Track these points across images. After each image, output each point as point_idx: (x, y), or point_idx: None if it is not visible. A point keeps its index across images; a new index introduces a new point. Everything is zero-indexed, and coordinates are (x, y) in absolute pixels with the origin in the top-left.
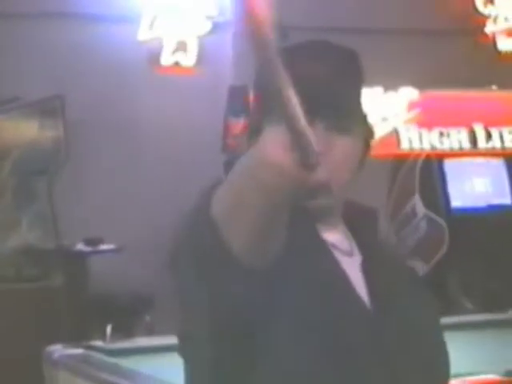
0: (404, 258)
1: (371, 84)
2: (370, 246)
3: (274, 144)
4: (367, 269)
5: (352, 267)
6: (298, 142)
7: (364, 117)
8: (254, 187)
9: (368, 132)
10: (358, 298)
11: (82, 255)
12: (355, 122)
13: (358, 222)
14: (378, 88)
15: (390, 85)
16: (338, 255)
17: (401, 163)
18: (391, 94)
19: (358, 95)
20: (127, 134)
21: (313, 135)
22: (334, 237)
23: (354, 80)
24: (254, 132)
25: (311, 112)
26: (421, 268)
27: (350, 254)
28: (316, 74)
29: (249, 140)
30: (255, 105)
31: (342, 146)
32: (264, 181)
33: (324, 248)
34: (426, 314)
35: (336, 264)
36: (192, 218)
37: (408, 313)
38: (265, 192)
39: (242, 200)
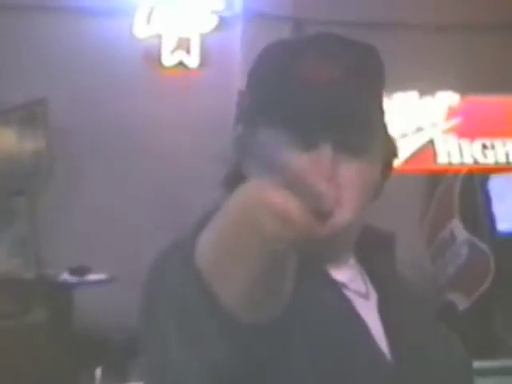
0: (424, 290)
1: (404, 88)
2: (387, 279)
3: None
4: (384, 310)
5: (368, 310)
6: (301, 193)
7: (384, 130)
8: (249, 232)
9: (389, 149)
10: (376, 347)
11: (67, 286)
12: (373, 138)
13: (372, 250)
14: (412, 93)
15: (426, 89)
16: (351, 297)
17: (438, 180)
18: (427, 100)
19: (376, 103)
20: (122, 144)
21: (317, 180)
22: (345, 275)
23: (372, 84)
24: (235, 178)
25: (316, 128)
26: (461, 302)
27: (365, 296)
28: (322, 78)
29: (226, 189)
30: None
31: (356, 171)
32: (262, 226)
33: (335, 290)
34: (454, 359)
35: (350, 309)
36: (172, 266)
37: (433, 360)
38: (263, 239)
39: (235, 246)
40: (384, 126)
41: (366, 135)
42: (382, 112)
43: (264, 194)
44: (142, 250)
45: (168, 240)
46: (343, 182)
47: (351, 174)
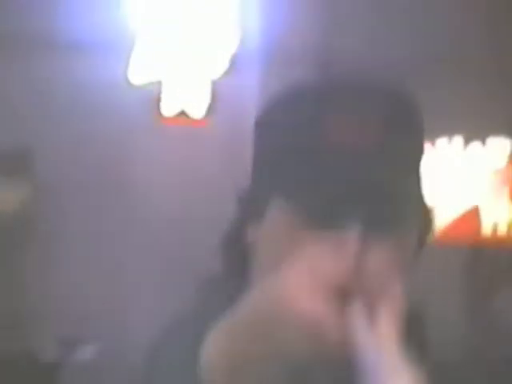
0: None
1: (447, 133)
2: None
3: (305, 281)
4: None
5: None
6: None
7: (421, 197)
8: (268, 343)
9: (425, 221)
10: None
11: (52, 364)
12: (408, 210)
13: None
14: (457, 138)
15: (474, 134)
16: None
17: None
18: (475, 147)
19: (414, 168)
20: (117, 199)
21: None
22: None
23: (410, 143)
24: (233, 242)
25: (339, 208)
26: None
27: None
28: (348, 139)
29: (224, 253)
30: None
31: (389, 254)
32: (286, 340)
33: None
34: None
35: None
36: (175, 356)
37: None
38: (285, 354)
39: (249, 355)
40: (421, 193)
41: (401, 209)
42: (419, 178)
43: (292, 296)
44: (145, 320)
45: (168, 311)
46: (375, 268)
47: (384, 258)
